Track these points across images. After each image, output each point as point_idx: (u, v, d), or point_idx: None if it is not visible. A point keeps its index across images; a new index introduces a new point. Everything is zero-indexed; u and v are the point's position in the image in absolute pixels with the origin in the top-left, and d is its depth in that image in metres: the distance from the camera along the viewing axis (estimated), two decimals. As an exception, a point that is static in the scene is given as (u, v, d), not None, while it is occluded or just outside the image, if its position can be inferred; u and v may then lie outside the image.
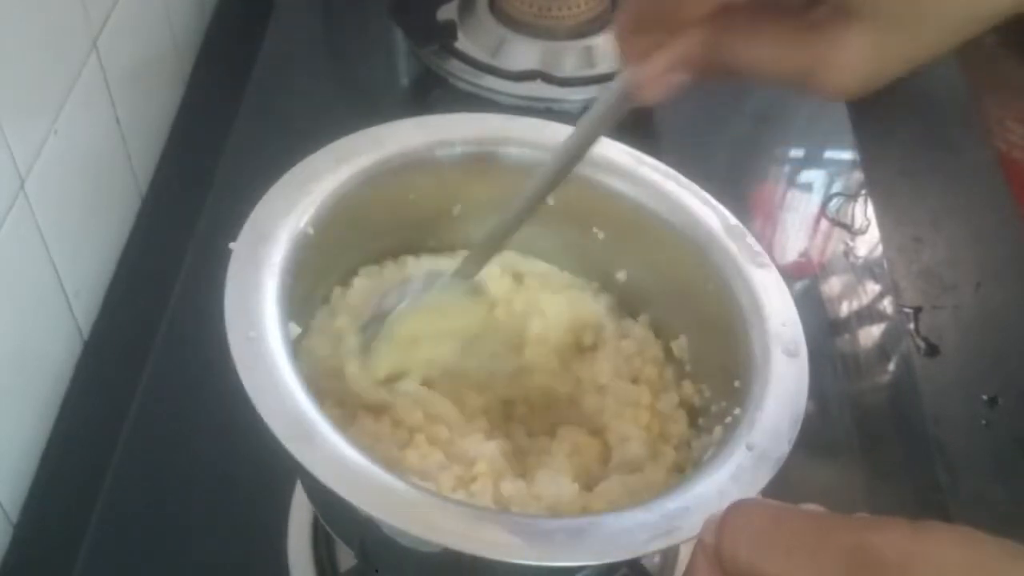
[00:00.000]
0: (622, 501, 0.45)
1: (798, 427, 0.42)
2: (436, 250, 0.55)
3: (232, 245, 0.43)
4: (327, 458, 0.37)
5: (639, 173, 0.52)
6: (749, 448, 0.41)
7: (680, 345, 0.52)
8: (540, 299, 0.54)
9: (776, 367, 0.45)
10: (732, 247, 0.49)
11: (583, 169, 0.50)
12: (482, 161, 0.52)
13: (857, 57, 0.33)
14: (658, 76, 0.36)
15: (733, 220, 0.50)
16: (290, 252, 0.44)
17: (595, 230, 0.54)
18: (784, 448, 0.42)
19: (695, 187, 0.52)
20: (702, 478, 0.40)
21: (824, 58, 0.33)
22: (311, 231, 0.46)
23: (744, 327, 0.47)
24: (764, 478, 0.40)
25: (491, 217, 0.51)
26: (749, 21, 0.34)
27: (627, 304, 0.55)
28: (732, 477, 0.40)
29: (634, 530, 0.38)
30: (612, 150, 0.53)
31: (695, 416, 0.50)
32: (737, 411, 0.44)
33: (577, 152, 0.42)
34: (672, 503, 0.39)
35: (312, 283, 0.49)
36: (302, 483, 0.51)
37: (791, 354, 0.45)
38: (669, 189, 0.52)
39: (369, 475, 0.38)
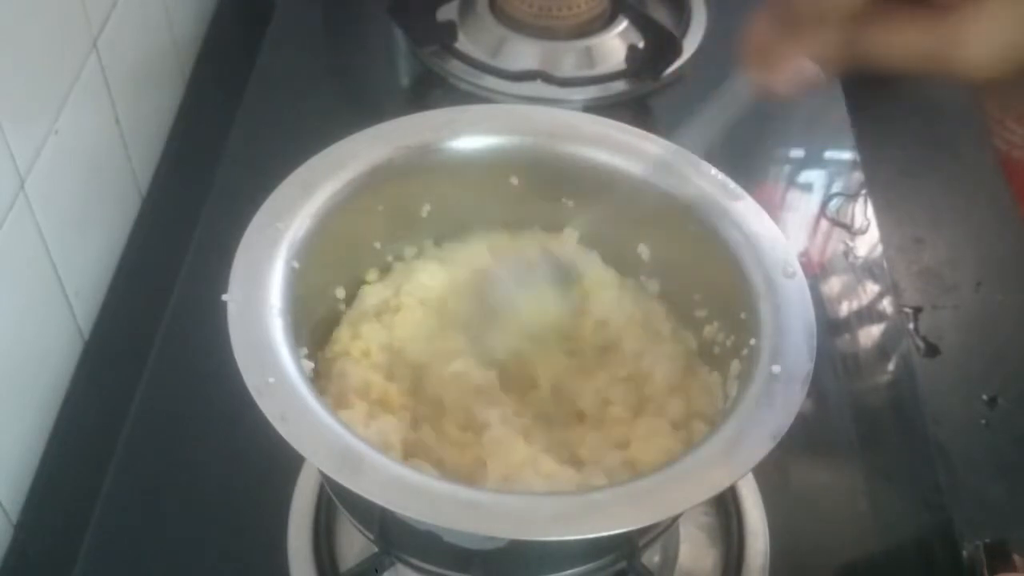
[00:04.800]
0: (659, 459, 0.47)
1: (815, 343, 0.44)
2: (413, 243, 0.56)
3: (225, 297, 0.43)
4: (379, 482, 0.38)
5: (599, 134, 0.53)
6: (774, 373, 0.42)
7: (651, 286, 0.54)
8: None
9: (777, 292, 0.46)
10: (705, 186, 0.50)
11: (545, 141, 0.52)
12: (440, 157, 0.52)
13: (993, 33, 0.33)
14: (793, 77, 0.37)
15: (698, 159, 0.51)
16: (283, 290, 0.44)
17: (564, 200, 0.54)
18: (808, 365, 0.43)
19: (657, 137, 0.52)
20: (739, 412, 0.41)
21: (960, 36, 0.33)
22: (296, 265, 0.46)
23: (736, 260, 0.48)
24: (798, 399, 0.41)
25: (460, 208, 0.53)
26: (882, 11, 0.35)
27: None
28: (767, 404, 0.41)
29: (692, 477, 0.39)
30: (573, 118, 0.54)
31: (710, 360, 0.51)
32: (752, 342, 0.45)
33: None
34: (720, 443, 0.40)
35: (308, 311, 0.50)
36: (326, 482, 0.51)
37: (788, 275, 0.46)
38: (632, 143, 0.52)
39: (424, 488, 0.38)
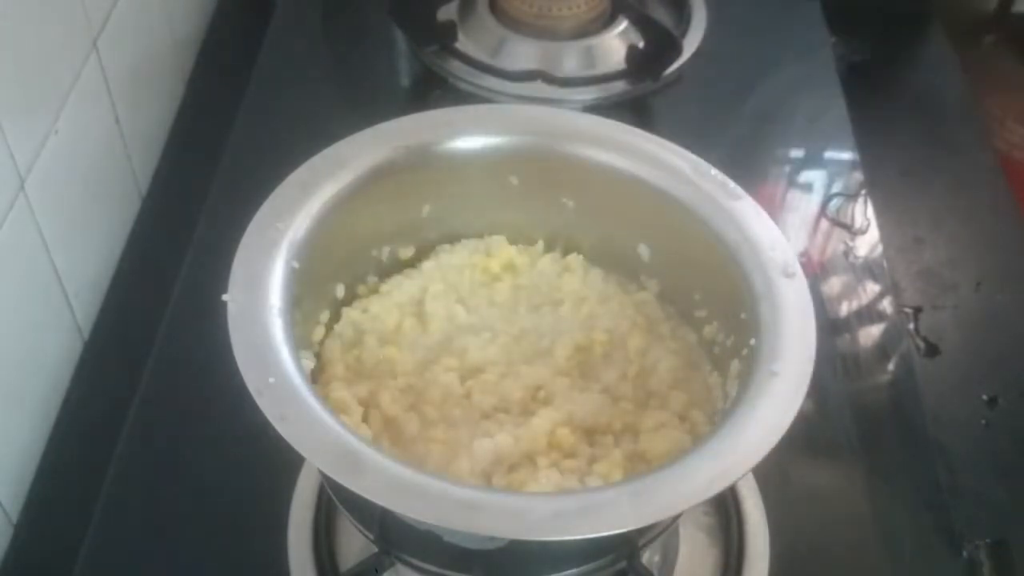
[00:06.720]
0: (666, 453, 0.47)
1: (814, 344, 0.43)
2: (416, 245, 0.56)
3: (225, 297, 0.43)
4: (379, 482, 0.38)
5: (599, 133, 0.53)
6: (774, 374, 0.42)
7: (652, 287, 0.54)
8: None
9: (778, 292, 0.46)
10: (705, 186, 0.50)
11: (545, 140, 0.52)
12: (440, 157, 0.53)
13: None
14: None
15: (697, 160, 0.51)
16: (283, 290, 0.44)
17: (564, 200, 0.55)
18: (808, 365, 0.43)
19: (657, 137, 0.52)
20: (739, 412, 0.41)
21: None
22: (296, 265, 0.46)
23: (736, 260, 0.48)
24: (798, 399, 0.41)
25: (460, 208, 0.53)
26: None
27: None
28: (768, 404, 0.41)
29: (692, 477, 0.39)
30: (573, 118, 0.54)
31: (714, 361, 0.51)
32: (752, 342, 0.45)
33: None
34: (720, 443, 0.40)
35: (308, 310, 0.50)
36: (326, 482, 0.51)
37: (788, 276, 0.46)
38: (633, 143, 0.52)
39: (424, 488, 0.38)
